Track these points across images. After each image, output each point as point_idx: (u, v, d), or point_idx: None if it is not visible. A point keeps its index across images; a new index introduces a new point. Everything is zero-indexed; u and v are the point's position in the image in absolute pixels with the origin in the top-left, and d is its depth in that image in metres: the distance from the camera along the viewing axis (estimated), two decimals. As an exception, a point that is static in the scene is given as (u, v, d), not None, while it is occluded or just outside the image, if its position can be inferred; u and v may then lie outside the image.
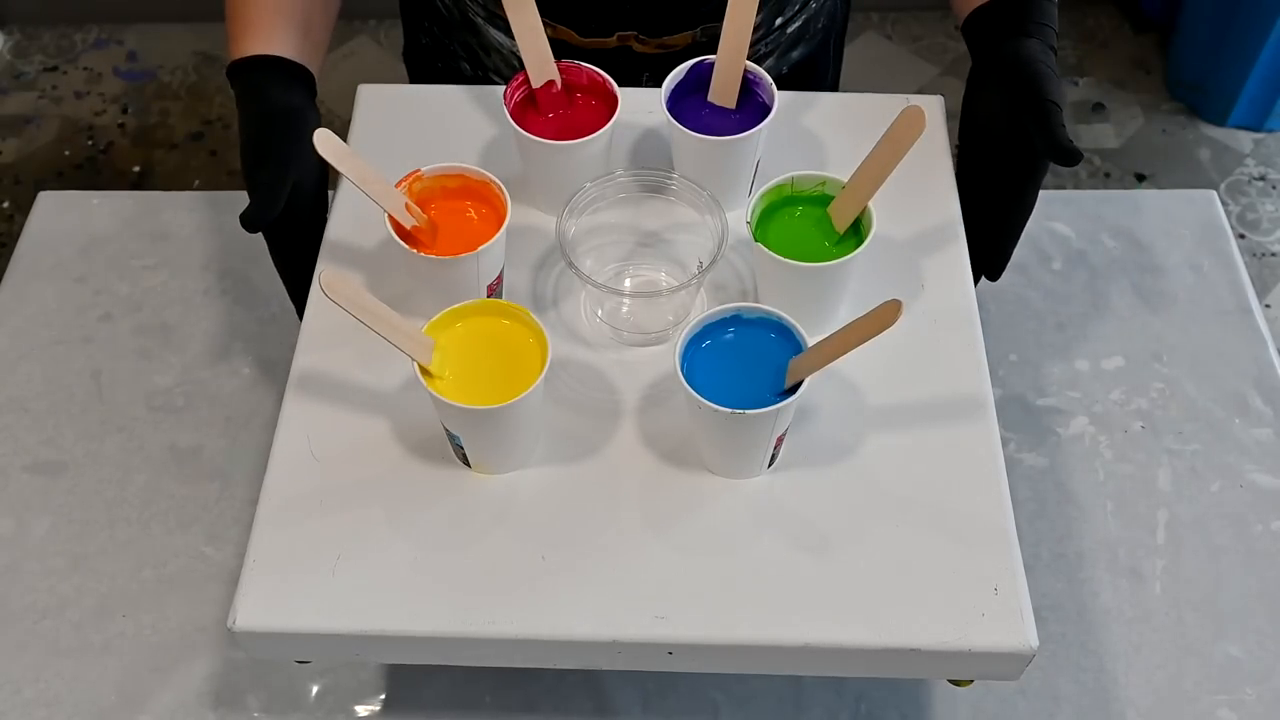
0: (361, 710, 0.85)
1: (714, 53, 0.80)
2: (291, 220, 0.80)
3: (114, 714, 0.84)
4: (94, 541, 0.91)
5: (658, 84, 0.81)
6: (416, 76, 1.11)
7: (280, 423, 0.75)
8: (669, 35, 0.95)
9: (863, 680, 0.86)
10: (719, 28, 0.78)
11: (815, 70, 1.07)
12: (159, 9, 2.25)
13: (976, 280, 0.84)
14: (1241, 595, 0.89)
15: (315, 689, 0.86)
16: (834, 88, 1.14)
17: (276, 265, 0.84)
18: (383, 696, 0.86)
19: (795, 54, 1.03)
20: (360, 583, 0.69)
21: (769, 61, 1.02)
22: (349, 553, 0.70)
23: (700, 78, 0.82)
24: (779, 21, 0.99)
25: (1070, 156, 0.74)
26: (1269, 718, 0.84)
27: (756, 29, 0.97)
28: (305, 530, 0.71)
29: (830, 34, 1.07)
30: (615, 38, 0.95)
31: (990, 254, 0.85)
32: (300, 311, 0.84)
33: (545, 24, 0.92)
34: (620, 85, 0.81)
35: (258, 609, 0.68)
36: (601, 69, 0.82)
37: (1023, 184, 0.81)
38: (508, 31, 0.97)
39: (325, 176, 0.84)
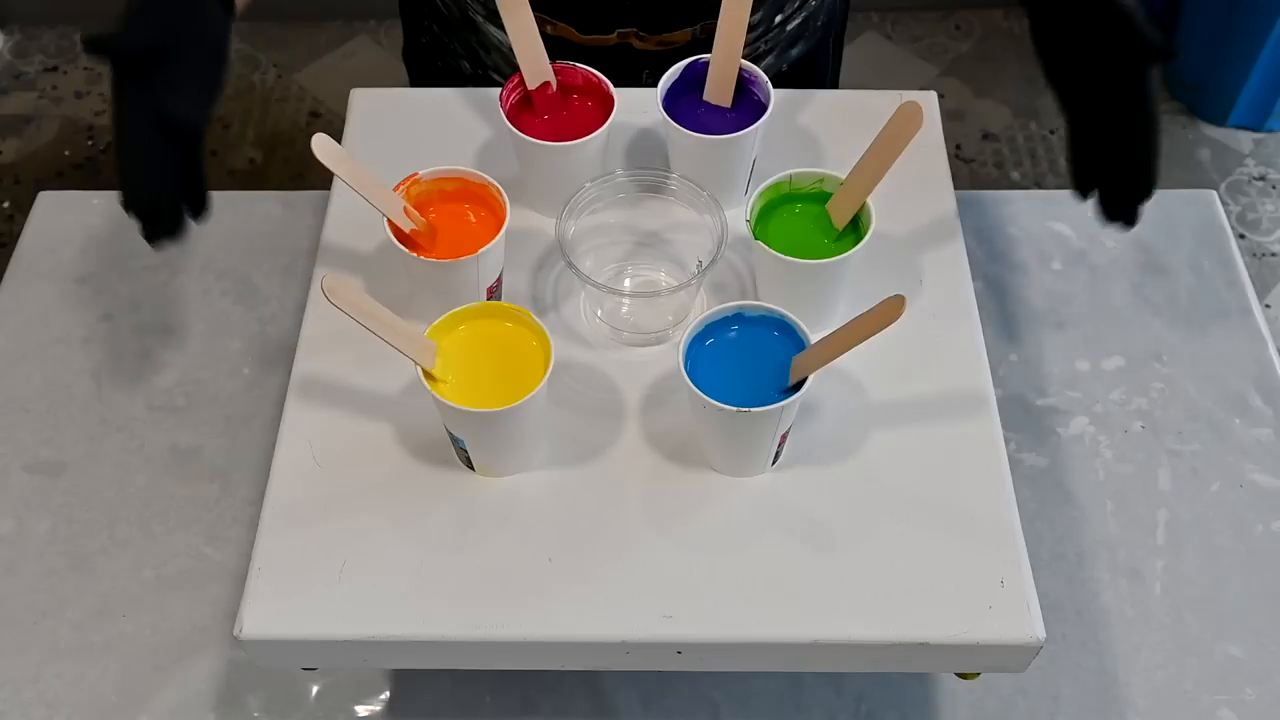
0: (361, 710, 0.85)
1: (712, 50, 0.80)
2: (165, 57, 0.66)
3: (114, 714, 0.84)
4: (94, 541, 0.91)
5: (658, 82, 0.81)
6: (416, 75, 1.11)
7: (282, 428, 0.75)
8: (668, 32, 0.95)
9: (863, 680, 0.86)
10: (718, 24, 0.78)
11: (815, 68, 1.07)
12: (159, 9, 2.25)
13: (1116, 222, 0.76)
14: (1241, 595, 0.89)
15: (315, 689, 0.86)
16: (834, 86, 1.15)
17: (118, 118, 0.67)
18: (383, 697, 0.86)
19: (795, 51, 1.03)
20: (367, 588, 0.69)
21: (769, 59, 1.02)
22: (354, 558, 0.70)
23: (696, 77, 0.82)
24: (779, 19, 0.99)
25: (1164, 54, 0.69)
26: (1269, 718, 0.84)
27: (756, 26, 0.98)
28: (310, 537, 0.71)
29: (830, 31, 1.07)
30: (615, 35, 0.95)
31: (1127, 189, 0.75)
32: (161, 208, 0.68)
33: (545, 21, 0.92)
34: (620, 83, 0.82)
35: (265, 617, 0.68)
36: (601, 67, 0.82)
37: (1130, 95, 0.72)
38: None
39: (228, 38, 0.72)
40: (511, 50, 0.79)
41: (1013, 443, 0.95)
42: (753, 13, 0.91)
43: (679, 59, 0.82)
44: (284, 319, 1.03)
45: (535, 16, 0.78)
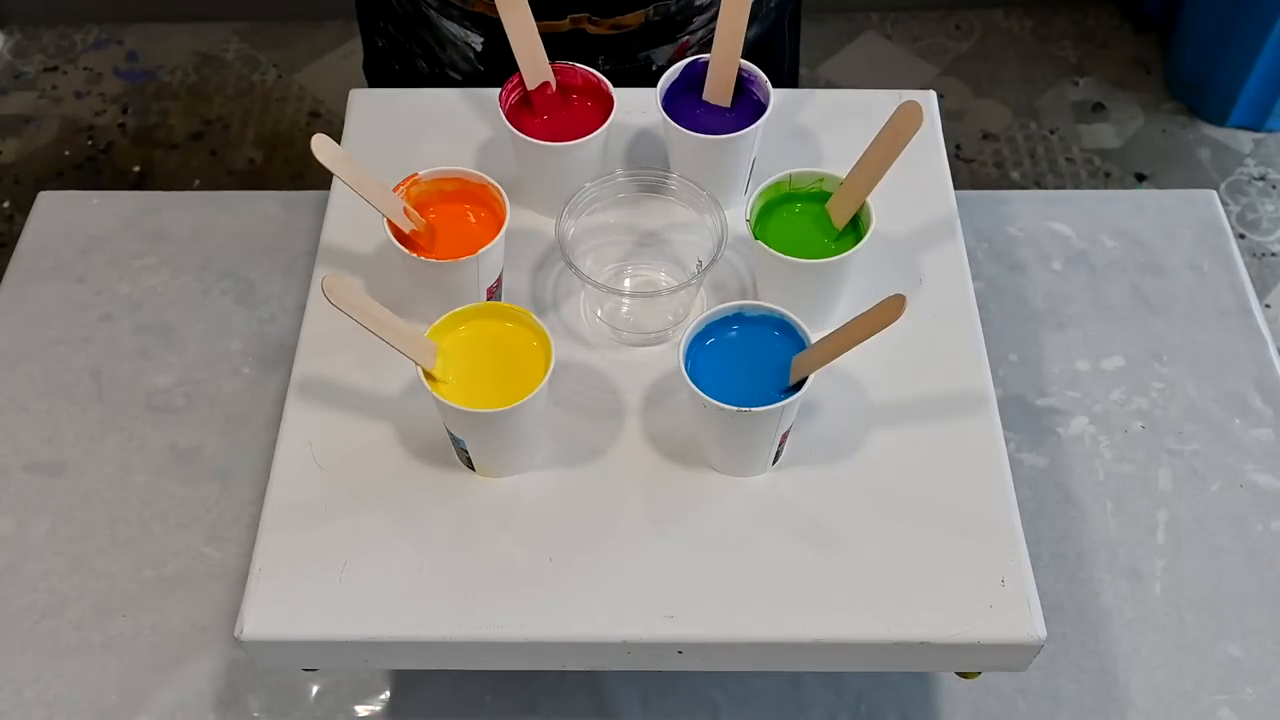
0: (361, 710, 0.86)
1: (667, 31, 0.79)
2: None
3: (114, 714, 0.85)
4: (94, 541, 0.92)
5: (614, 67, 0.80)
6: (376, 83, 1.11)
7: (282, 429, 0.75)
8: (621, 15, 0.94)
9: (863, 680, 0.86)
10: (671, 5, 0.77)
11: (771, 49, 1.06)
12: (159, 9, 2.25)
13: None
14: (1241, 595, 0.89)
15: (315, 689, 0.86)
16: (794, 68, 1.14)
17: None
18: (383, 697, 0.86)
19: (750, 34, 1.02)
20: (367, 589, 0.69)
21: None
22: (355, 559, 0.70)
23: (695, 76, 0.82)
24: None
25: None
26: (1269, 718, 0.84)
27: (706, 8, 0.97)
28: (310, 537, 0.71)
29: (784, 11, 1.06)
30: (568, 20, 0.94)
31: None
32: None
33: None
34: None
35: (265, 617, 0.68)
36: (556, 54, 0.81)
37: None
38: (461, 22, 0.96)
39: None
40: (467, 44, 0.79)
41: (1013, 443, 0.95)
42: None
43: (634, 43, 0.81)
44: (284, 319, 1.03)
45: (485, 4, 0.77)
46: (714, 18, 0.98)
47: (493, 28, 0.93)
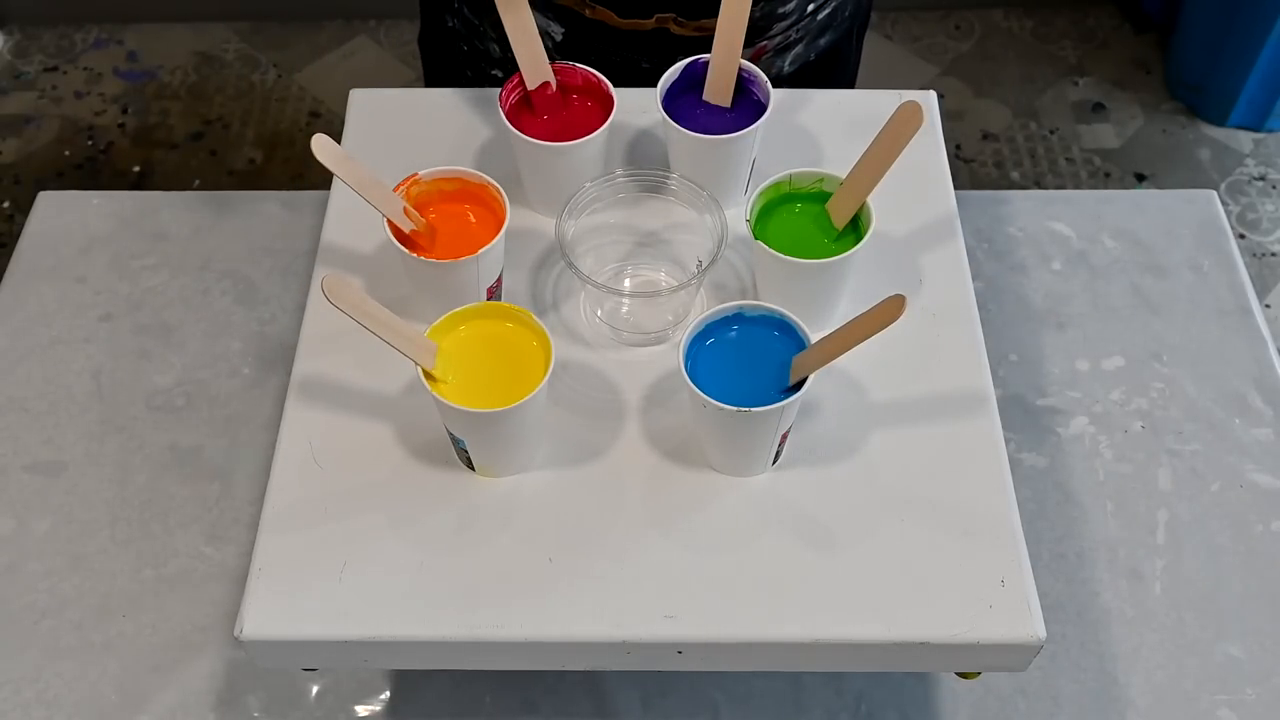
0: (361, 710, 0.86)
1: (748, 35, 0.79)
2: None
3: (114, 714, 0.84)
4: (94, 541, 0.91)
5: None
6: (435, 62, 1.10)
7: (282, 429, 0.75)
8: (707, 18, 0.95)
9: (863, 680, 0.86)
10: (755, 11, 0.77)
11: (840, 58, 1.07)
12: (159, 9, 2.25)
13: None
14: (1241, 595, 0.89)
15: (315, 689, 0.86)
16: (854, 77, 1.15)
17: None
18: (383, 697, 0.86)
19: (823, 41, 1.03)
20: (367, 589, 0.69)
21: (799, 48, 1.02)
22: (355, 559, 0.70)
23: (695, 76, 0.82)
24: (811, 8, 0.99)
25: None
26: (1269, 718, 0.84)
27: (789, 15, 0.98)
28: (310, 537, 0.71)
29: (855, 22, 1.07)
30: (654, 19, 0.95)
31: None
32: None
33: (585, 4, 0.92)
34: (657, 69, 0.81)
35: (265, 617, 0.68)
36: (639, 51, 0.81)
37: None
38: (545, 12, 0.96)
39: None
40: (547, 34, 0.79)
41: (1013, 443, 0.95)
42: (786, 1, 0.91)
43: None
44: (284, 319, 1.03)
45: None
46: (792, 25, 0.99)
47: (574, 20, 0.94)
